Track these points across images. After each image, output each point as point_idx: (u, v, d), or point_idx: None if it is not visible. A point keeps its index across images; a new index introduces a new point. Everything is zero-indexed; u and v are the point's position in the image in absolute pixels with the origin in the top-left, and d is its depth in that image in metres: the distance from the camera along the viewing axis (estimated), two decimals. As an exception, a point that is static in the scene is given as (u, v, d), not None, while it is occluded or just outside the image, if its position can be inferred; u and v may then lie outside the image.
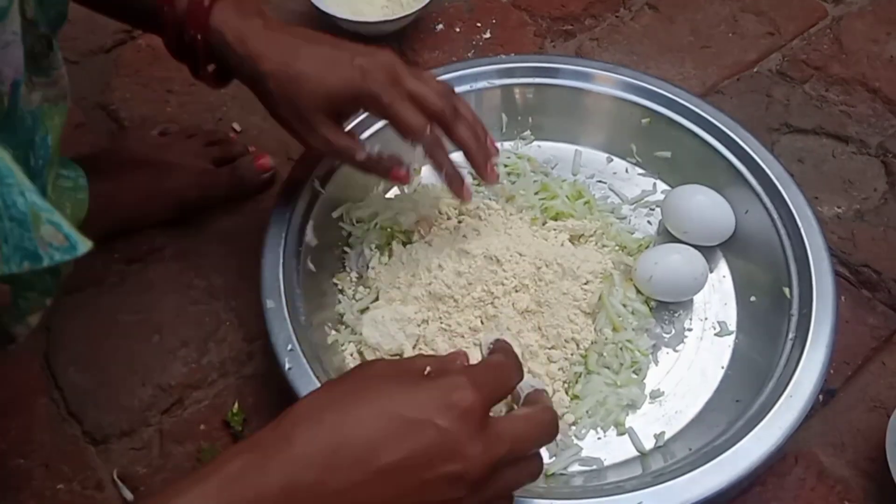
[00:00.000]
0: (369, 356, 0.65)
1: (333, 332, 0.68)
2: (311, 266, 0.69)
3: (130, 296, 0.73)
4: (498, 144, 0.81)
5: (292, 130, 0.63)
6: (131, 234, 0.76)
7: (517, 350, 0.61)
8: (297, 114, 0.61)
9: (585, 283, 0.67)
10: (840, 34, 0.96)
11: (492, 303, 0.66)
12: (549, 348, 0.65)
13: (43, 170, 0.59)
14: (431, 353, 0.64)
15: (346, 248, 0.73)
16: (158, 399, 0.67)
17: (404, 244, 0.70)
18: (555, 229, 0.72)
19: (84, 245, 0.40)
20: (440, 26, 0.97)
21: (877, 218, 0.79)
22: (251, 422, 0.66)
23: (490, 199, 0.74)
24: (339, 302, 0.70)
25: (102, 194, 0.70)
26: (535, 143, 0.82)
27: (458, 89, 0.78)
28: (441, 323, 0.65)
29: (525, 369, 0.62)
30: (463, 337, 0.65)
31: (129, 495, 0.62)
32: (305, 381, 0.59)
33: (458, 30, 0.96)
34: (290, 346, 0.61)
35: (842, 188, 0.82)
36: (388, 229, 0.72)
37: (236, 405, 0.66)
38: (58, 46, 0.57)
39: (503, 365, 0.49)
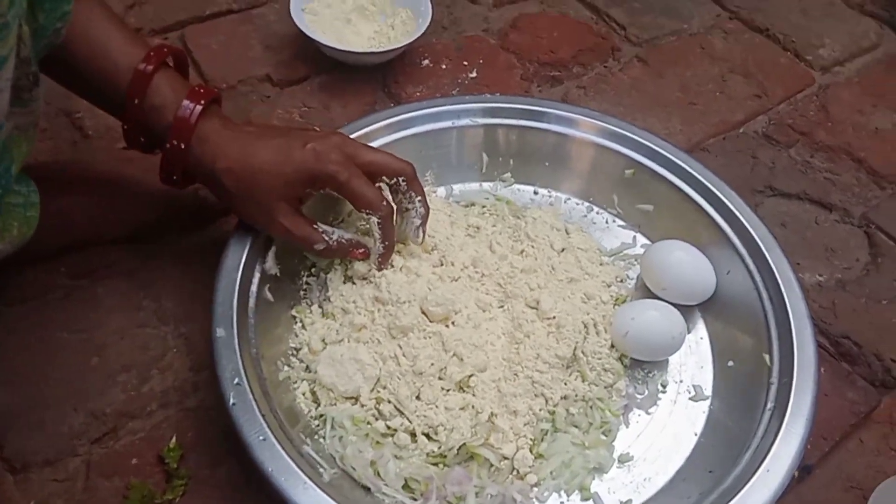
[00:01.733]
0: (322, 397, 0.61)
1: (287, 367, 0.63)
2: (269, 296, 0.65)
3: (74, 313, 0.69)
4: (477, 184, 0.79)
5: (254, 222, 0.64)
6: (83, 247, 0.72)
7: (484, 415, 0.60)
8: (257, 206, 0.62)
9: (560, 334, 0.64)
10: (827, 102, 0.96)
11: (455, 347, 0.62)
12: (517, 395, 0.61)
13: (1, 199, 0.55)
14: (392, 397, 0.60)
15: (309, 280, 0.69)
16: (90, 427, 0.62)
17: (364, 278, 0.66)
18: (526, 271, 0.69)
19: None
20: (426, 62, 0.95)
21: (859, 289, 0.77)
22: (188, 459, 0.61)
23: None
24: (297, 335, 0.65)
25: (55, 210, 0.66)
26: (515, 185, 0.79)
27: (440, 125, 0.77)
28: (402, 362, 0.61)
29: (489, 425, 0.59)
30: (429, 383, 0.61)
31: (44, 532, 0.56)
32: (250, 417, 0.55)
33: (444, 67, 0.95)
34: (236, 380, 0.56)
35: (824, 256, 0.80)
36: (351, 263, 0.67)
37: (174, 440, 0.62)
38: (42, 80, 0.55)
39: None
